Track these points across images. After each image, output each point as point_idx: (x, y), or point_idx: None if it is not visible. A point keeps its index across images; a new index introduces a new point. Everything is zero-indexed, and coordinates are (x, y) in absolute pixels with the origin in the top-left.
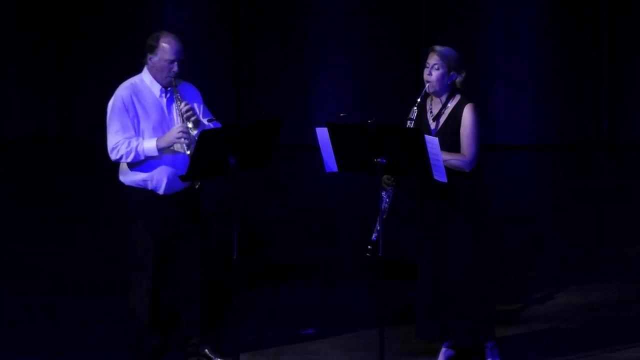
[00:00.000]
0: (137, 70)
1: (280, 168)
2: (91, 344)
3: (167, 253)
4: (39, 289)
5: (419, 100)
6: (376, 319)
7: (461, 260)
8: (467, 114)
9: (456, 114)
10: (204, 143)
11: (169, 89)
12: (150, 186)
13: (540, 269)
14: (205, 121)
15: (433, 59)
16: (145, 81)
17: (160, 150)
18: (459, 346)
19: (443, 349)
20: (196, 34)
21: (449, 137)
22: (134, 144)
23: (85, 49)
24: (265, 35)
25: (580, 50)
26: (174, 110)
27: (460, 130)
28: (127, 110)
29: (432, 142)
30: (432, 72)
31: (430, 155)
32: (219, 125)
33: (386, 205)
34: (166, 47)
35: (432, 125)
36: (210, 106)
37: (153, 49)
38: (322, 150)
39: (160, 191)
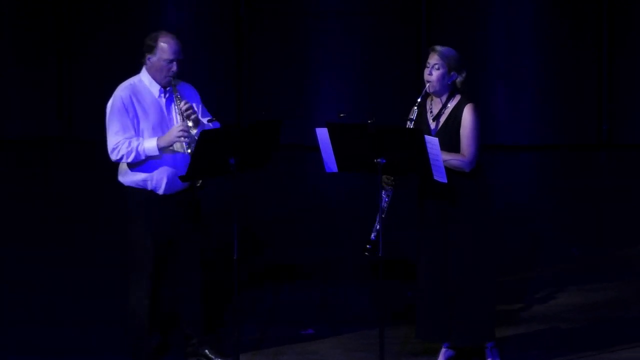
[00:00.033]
0: (137, 70)
1: (280, 168)
2: (91, 344)
3: (167, 253)
4: (39, 289)
5: (419, 100)
6: (376, 319)
7: (461, 260)
8: (467, 114)
9: (456, 114)
10: (203, 143)
11: (168, 88)
12: (150, 186)
13: (540, 269)
14: (205, 121)
15: (433, 59)
16: (144, 81)
17: (160, 149)
18: (459, 346)
19: (443, 349)
20: (196, 34)
21: (449, 137)
22: (134, 143)
23: (85, 49)
24: (265, 35)
25: (580, 50)
26: (173, 110)
27: (460, 130)
28: (126, 111)
29: (432, 142)
30: (433, 72)
31: (430, 156)
32: (218, 125)
33: (385, 204)
34: (165, 46)
35: (432, 125)
36: (210, 106)
37: (152, 49)
38: (322, 150)
39: (160, 191)
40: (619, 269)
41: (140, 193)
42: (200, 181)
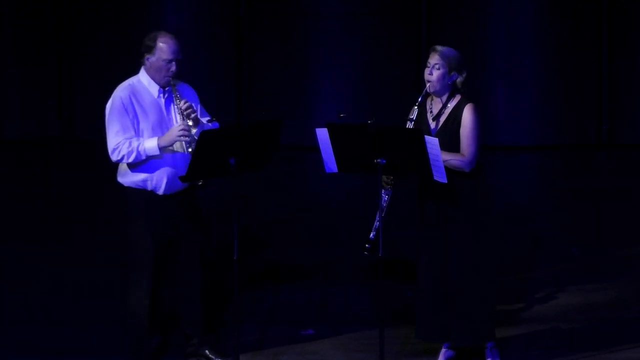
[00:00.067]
0: (138, 71)
1: (280, 168)
2: (91, 344)
3: (167, 253)
4: (39, 289)
5: (419, 100)
6: (376, 319)
7: (461, 260)
8: (467, 114)
9: (456, 113)
10: (203, 144)
11: (167, 88)
12: (150, 186)
13: (540, 269)
14: (204, 120)
15: (434, 59)
16: (143, 82)
17: (161, 149)
18: (459, 346)
19: (443, 350)
20: (196, 34)
21: (449, 137)
22: (134, 144)
23: (85, 49)
24: (265, 35)
25: (580, 50)
26: (172, 110)
27: (460, 130)
28: (126, 111)
29: (432, 142)
30: (433, 72)
31: (430, 156)
32: (217, 125)
33: (385, 204)
34: (164, 47)
35: (432, 125)
36: (210, 106)
37: (150, 49)
38: (322, 150)
39: (160, 191)
40: (619, 269)
41: (140, 193)
42: (202, 181)
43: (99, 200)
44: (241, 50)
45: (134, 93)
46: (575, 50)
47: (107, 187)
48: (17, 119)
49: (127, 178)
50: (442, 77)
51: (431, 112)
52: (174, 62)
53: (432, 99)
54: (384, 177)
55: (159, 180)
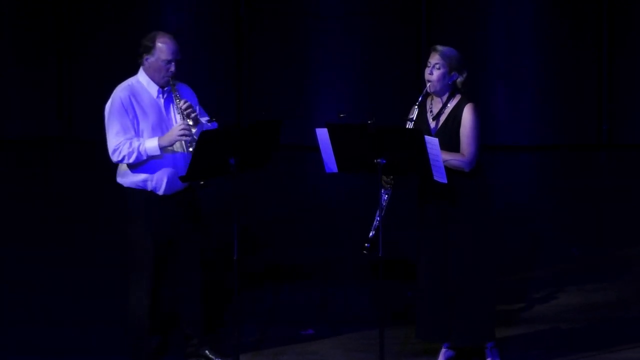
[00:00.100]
0: (137, 71)
1: (280, 168)
2: (91, 344)
3: (167, 253)
4: (39, 289)
5: (419, 100)
6: (376, 319)
7: (461, 260)
8: (467, 114)
9: (456, 113)
10: (203, 144)
11: (165, 88)
12: (150, 187)
13: (540, 269)
14: (203, 120)
15: (435, 59)
16: (142, 82)
17: (162, 149)
18: (459, 346)
19: (443, 350)
20: (196, 34)
21: (449, 137)
22: (135, 144)
23: (85, 49)
24: (265, 35)
25: (580, 50)
26: (172, 110)
27: (460, 130)
28: (126, 111)
29: (432, 142)
30: (434, 72)
31: (430, 156)
32: (216, 125)
33: (385, 203)
34: (163, 47)
35: (432, 124)
36: (210, 106)
37: (149, 49)
38: (322, 151)
39: (160, 192)
40: (619, 269)
41: (140, 193)
42: (204, 181)
43: (99, 200)
44: (241, 50)
45: (133, 93)
46: (575, 50)
47: (107, 187)
48: (17, 119)
49: (127, 178)
50: (443, 77)
51: (431, 111)
52: (173, 63)
53: (432, 99)
54: (384, 177)
55: (159, 181)
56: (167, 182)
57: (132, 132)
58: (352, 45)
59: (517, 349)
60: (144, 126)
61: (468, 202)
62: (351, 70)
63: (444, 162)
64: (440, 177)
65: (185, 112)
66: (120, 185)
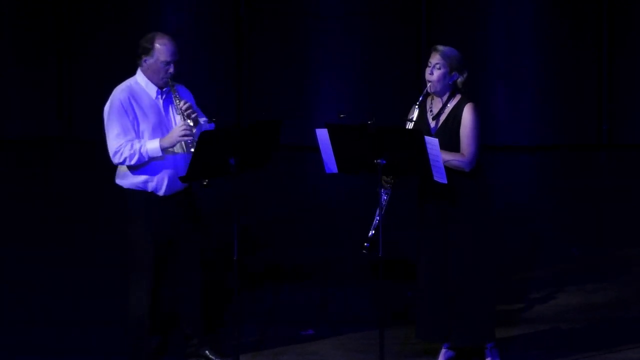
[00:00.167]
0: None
1: (280, 168)
2: (91, 344)
3: (167, 253)
4: (39, 289)
5: (419, 100)
6: (376, 319)
7: (461, 260)
8: (467, 114)
9: (456, 113)
10: (203, 144)
11: (164, 89)
12: (150, 188)
13: (540, 269)
14: (202, 121)
15: (435, 59)
16: (141, 83)
17: (163, 150)
18: (459, 346)
19: (443, 350)
20: (196, 34)
21: (449, 137)
22: (136, 146)
23: (85, 49)
24: (265, 35)
25: (580, 50)
26: (171, 111)
27: (460, 130)
28: (126, 113)
29: (432, 142)
30: (434, 72)
31: (430, 156)
32: (213, 127)
33: (384, 203)
34: (162, 48)
35: (432, 124)
36: (210, 106)
37: (148, 50)
38: (322, 151)
39: (161, 192)
40: (619, 269)
41: (140, 194)
42: (207, 180)
43: (99, 200)
44: (241, 50)
45: (132, 95)
46: (575, 50)
47: (107, 187)
48: (17, 119)
49: (127, 180)
50: (443, 77)
51: (431, 111)
52: (172, 64)
53: (432, 99)
54: (384, 177)
55: (159, 182)
56: (168, 183)
57: (133, 134)
58: (352, 45)
59: (517, 349)
60: (144, 127)
61: (468, 202)
62: (351, 70)
63: (444, 162)
64: (440, 177)
65: (185, 113)
66: (119, 187)
